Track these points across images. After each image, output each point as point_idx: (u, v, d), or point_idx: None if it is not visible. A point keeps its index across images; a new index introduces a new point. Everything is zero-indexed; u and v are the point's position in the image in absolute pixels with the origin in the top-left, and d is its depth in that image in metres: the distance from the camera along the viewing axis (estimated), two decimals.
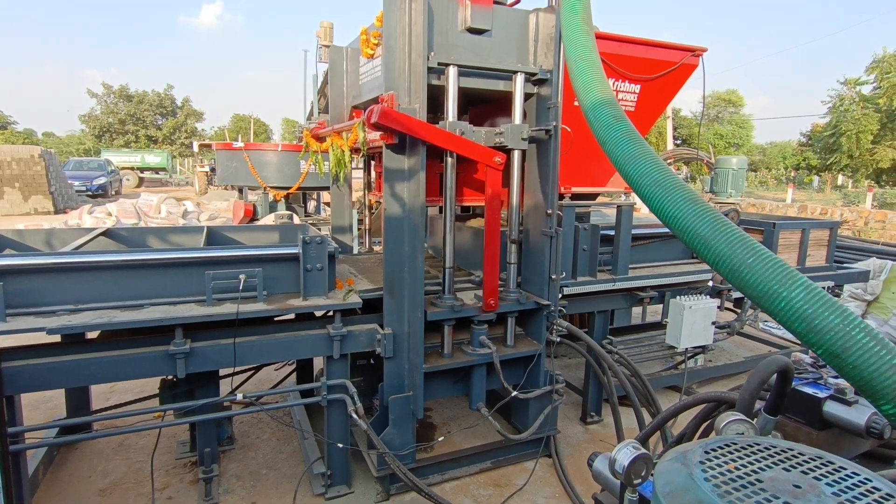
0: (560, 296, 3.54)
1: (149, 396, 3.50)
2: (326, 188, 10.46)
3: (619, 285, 3.94)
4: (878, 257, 7.85)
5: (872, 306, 7.49)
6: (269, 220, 9.07)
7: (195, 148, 31.42)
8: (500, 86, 3.28)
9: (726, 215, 4.90)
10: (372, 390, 3.54)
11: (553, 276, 3.33)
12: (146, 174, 31.59)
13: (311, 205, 12.70)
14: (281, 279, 3.13)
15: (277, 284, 3.13)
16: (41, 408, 4.28)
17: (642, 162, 1.61)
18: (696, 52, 4.04)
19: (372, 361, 3.83)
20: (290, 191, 9.34)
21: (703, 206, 1.50)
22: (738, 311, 4.95)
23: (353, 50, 4.23)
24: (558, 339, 3.50)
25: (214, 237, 3.89)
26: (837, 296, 6.15)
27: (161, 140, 45.32)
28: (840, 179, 39.82)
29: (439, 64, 2.94)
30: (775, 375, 1.57)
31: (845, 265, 6.00)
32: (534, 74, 3.21)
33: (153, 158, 32.92)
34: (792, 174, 39.76)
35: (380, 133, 2.89)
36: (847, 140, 30.36)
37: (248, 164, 9.01)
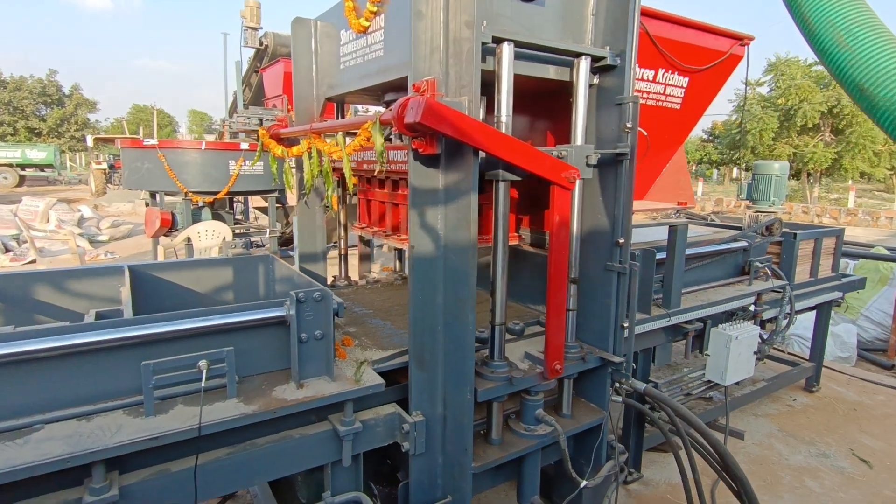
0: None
1: None
2: (257, 192, 9.12)
3: (674, 320, 3.26)
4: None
5: (838, 308, 7.52)
6: (192, 231, 7.65)
7: (89, 142, 27.77)
8: (549, 73, 2.44)
9: (769, 226, 4.46)
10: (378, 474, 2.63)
11: (625, 325, 2.55)
12: (28, 171, 27.50)
13: (238, 209, 11.20)
14: (257, 353, 2.12)
15: (252, 361, 2.11)
16: None
17: None
18: (743, 42, 3.44)
19: None
20: (217, 196, 7.93)
21: None
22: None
23: (325, 25, 3.21)
24: (621, 400, 2.75)
25: (142, 282, 2.73)
26: (838, 306, 5.95)
27: (46, 133, 39.97)
28: (735, 172, 43.03)
29: (493, 39, 2.05)
30: None
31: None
32: (600, 59, 2.40)
33: (37, 154, 28.66)
34: (693, 168, 42.37)
35: (413, 139, 1.95)
36: (752, 137, 32.69)
37: (165, 165, 7.51)
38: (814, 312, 5.18)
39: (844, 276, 5.35)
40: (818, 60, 1.72)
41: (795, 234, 4.50)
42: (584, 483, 2.49)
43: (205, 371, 1.83)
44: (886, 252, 7.57)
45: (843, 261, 7.55)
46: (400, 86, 2.60)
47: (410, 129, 1.86)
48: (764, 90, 34.03)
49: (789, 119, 31.89)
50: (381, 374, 2.26)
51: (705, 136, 48.12)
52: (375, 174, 2.68)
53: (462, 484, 2.27)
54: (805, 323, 6.19)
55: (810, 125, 31.00)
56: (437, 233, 2.14)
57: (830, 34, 1.62)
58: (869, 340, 7.14)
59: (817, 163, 30.48)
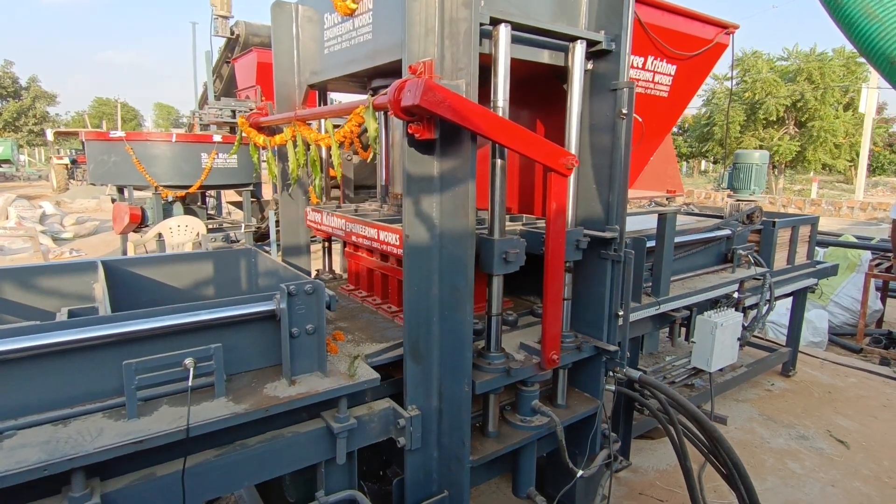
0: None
1: None
2: (231, 186, 8.86)
3: (663, 308, 3.26)
4: None
5: (810, 296, 7.73)
6: (164, 226, 7.38)
7: (49, 136, 26.65)
8: (543, 57, 2.38)
9: (750, 214, 4.52)
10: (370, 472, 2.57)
11: (621, 313, 2.54)
12: None
13: (211, 203, 10.88)
14: (245, 350, 2.02)
15: (240, 358, 2.01)
16: None
17: None
18: (728, 30, 3.45)
19: None
20: (189, 190, 7.67)
21: None
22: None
23: (307, 8, 3.09)
24: (614, 389, 2.74)
25: (116, 278, 2.58)
26: (812, 292, 6.11)
27: (2, 127, 38.21)
28: (703, 165, 44.03)
29: (490, 20, 1.98)
30: None
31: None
32: (595, 43, 2.36)
33: None
34: None
35: (409, 123, 1.87)
36: (720, 130, 33.50)
37: (133, 158, 7.21)
38: (790, 299, 5.31)
39: (819, 262, 5.49)
40: (843, 35, 1.64)
41: (774, 223, 4.58)
42: (580, 473, 2.47)
43: (191, 369, 1.72)
44: (855, 240, 7.81)
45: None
46: (389, 71, 2.51)
47: (407, 112, 1.78)
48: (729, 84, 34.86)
49: (755, 112, 32.77)
50: (375, 368, 2.19)
51: (675, 129, 49.29)
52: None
53: (460, 478, 2.21)
54: (779, 309, 6.35)
55: (775, 118, 31.88)
56: (432, 221, 2.07)
57: (859, 5, 1.56)
58: (839, 325, 7.38)
59: (782, 155, 31.39)
